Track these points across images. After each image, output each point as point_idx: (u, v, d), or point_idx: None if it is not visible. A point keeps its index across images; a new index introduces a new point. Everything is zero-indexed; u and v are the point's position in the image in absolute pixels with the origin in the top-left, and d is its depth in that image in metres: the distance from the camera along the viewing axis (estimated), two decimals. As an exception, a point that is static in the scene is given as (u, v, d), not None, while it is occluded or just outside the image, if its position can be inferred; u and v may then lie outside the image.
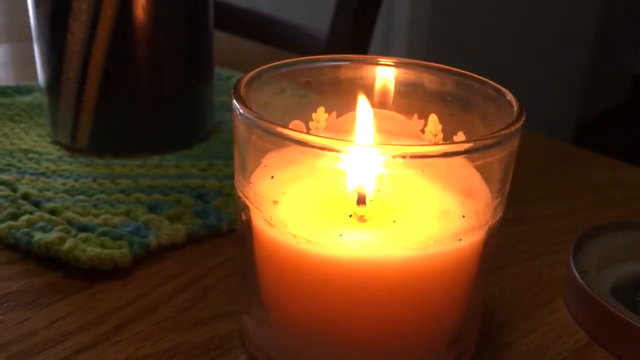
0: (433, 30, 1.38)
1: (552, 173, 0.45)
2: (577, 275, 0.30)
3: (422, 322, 0.24)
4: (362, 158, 0.21)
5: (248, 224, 0.25)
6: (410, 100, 0.30)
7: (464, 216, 0.23)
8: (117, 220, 0.34)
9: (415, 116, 0.30)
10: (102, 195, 0.36)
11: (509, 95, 0.25)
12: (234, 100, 0.24)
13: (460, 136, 0.28)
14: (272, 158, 0.24)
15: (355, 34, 0.70)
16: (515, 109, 0.24)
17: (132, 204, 0.35)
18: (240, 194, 0.25)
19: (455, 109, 0.29)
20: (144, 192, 0.37)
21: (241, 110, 0.23)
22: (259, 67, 0.27)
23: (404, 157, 0.21)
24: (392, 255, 0.22)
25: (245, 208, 0.25)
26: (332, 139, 0.21)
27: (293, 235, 0.23)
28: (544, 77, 1.59)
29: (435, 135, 0.29)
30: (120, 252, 0.31)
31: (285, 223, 0.23)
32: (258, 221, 0.24)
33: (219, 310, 0.29)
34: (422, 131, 0.30)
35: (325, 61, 0.29)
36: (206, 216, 0.35)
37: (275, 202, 0.24)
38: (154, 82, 0.41)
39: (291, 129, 0.22)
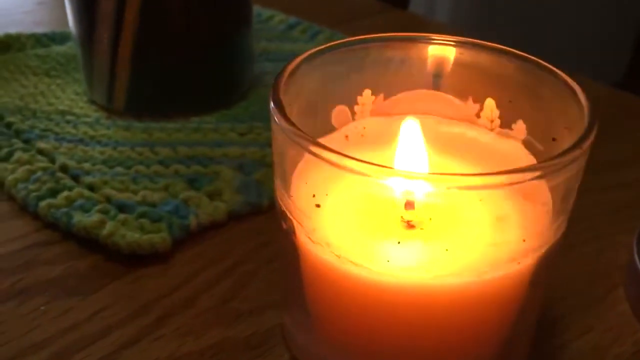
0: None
1: (617, 132, 0.40)
2: (641, 269, 0.28)
3: (471, 345, 0.22)
4: (407, 186, 0.19)
5: (289, 233, 0.23)
6: (465, 82, 0.27)
7: (524, 240, 0.21)
8: (156, 197, 0.33)
9: (470, 99, 0.27)
10: (140, 167, 0.35)
11: (580, 94, 0.22)
12: (272, 104, 0.22)
13: (519, 125, 0.26)
14: (309, 164, 0.22)
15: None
16: (586, 113, 0.22)
17: (170, 177, 0.34)
18: (281, 203, 0.23)
19: (515, 95, 0.26)
20: (182, 163, 0.35)
21: (277, 121, 0.21)
22: (299, 57, 0.24)
23: (458, 188, 0.19)
24: (443, 282, 0.20)
25: (286, 217, 0.23)
26: (370, 164, 0.19)
27: (336, 255, 0.21)
28: (595, 12, 1.46)
29: (492, 122, 0.27)
30: (159, 237, 0.30)
31: (328, 242, 0.21)
32: (300, 234, 0.23)
33: (260, 302, 0.29)
34: (478, 116, 0.27)
35: (373, 41, 0.27)
36: (247, 192, 0.34)
37: (318, 206, 0.22)
38: (190, 28, 0.39)
39: (326, 148, 0.20)
